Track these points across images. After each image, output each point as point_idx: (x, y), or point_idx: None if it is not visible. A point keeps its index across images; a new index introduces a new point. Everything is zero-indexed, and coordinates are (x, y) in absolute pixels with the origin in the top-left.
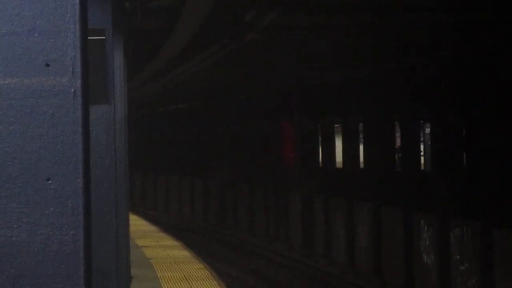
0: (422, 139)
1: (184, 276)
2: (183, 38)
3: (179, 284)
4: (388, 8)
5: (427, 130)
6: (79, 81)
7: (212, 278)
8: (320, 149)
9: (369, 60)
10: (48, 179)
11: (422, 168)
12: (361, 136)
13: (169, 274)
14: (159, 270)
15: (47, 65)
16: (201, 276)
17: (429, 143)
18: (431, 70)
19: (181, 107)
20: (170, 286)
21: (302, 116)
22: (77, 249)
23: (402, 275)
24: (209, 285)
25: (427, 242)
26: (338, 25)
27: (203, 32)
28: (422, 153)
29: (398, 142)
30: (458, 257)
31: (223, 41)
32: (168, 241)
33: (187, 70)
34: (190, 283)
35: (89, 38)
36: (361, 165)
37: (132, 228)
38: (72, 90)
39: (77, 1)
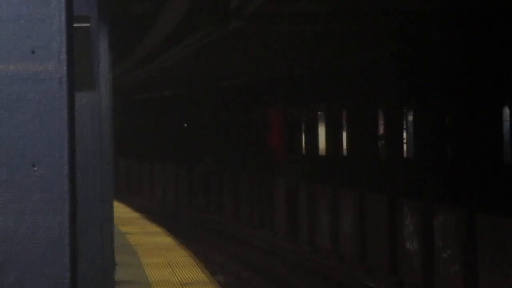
0: (405, 126)
1: (168, 262)
2: (168, 25)
3: (163, 271)
4: None
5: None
6: (64, 68)
7: (196, 264)
8: (303, 136)
9: (352, 48)
10: (34, 166)
11: (405, 155)
12: (344, 123)
13: (153, 261)
14: (143, 257)
15: (33, 51)
16: (185, 262)
17: (412, 130)
18: (414, 57)
19: (166, 94)
20: (154, 272)
21: (287, 104)
22: (63, 235)
23: (386, 262)
24: (193, 272)
25: (411, 228)
26: (322, 12)
27: (188, 19)
28: (404, 141)
29: (381, 129)
30: (441, 243)
31: (207, 28)
32: (152, 227)
33: (172, 57)
34: (174, 270)
35: (74, 25)
36: (344, 152)
37: (116, 214)
38: (58, 76)
39: None
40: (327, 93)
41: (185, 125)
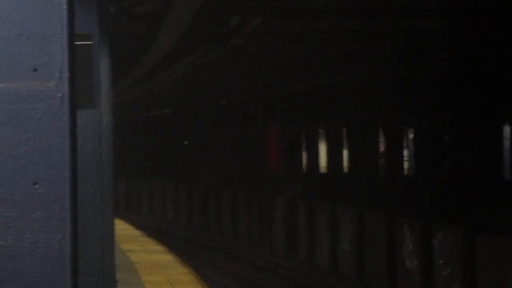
0: (405, 144)
1: (168, 280)
2: (168, 43)
3: None
4: (371, 14)
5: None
6: (66, 86)
7: (196, 282)
8: (304, 154)
9: (351, 66)
10: (35, 184)
11: (406, 173)
12: (344, 141)
13: (153, 278)
14: (143, 275)
15: (35, 69)
16: (185, 280)
17: (413, 148)
18: (413, 76)
19: (165, 112)
20: None
21: (286, 122)
22: (63, 253)
23: (385, 279)
24: None
25: (410, 247)
26: (321, 31)
27: (188, 37)
28: (405, 158)
29: (382, 147)
30: (441, 261)
31: (207, 46)
32: (152, 245)
33: (171, 75)
34: (174, 287)
35: (76, 43)
36: (345, 170)
37: (116, 232)
38: (59, 95)
39: (65, 6)
40: (327, 111)
41: (185, 142)
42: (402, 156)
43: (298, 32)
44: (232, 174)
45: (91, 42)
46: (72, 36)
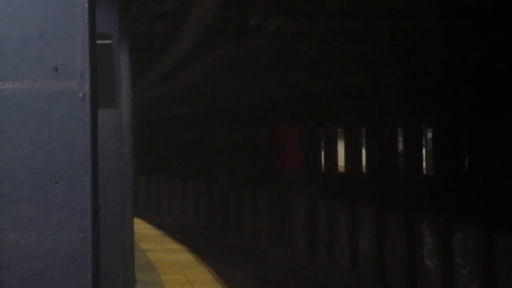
0: (424, 144)
1: (188, 279)
2: (188, 43)
3: None
4: (387, 14)
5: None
6: (87, 85)
7: (216, 282)
8: (322, 154)
9: (371, 65)
10: (57, 183)
11: (425, 172)
12: (363, 141)
13: (173, 277)
14: (163, 274)
15: (56, 69)
16: (205, 279)
17: (431, 147)
18: (431, 75)
19: (184, 112)
20: None
21: (306, 121)
22: (85, 252)
23: (405, 280)
24: None
25: (430, 247)
26: (342, 30)
27: (208, 36)
28: (424, 158)
29: (400, 146)
30: (461, 261)
31: (227, 46)
32: (172, 245)
33: (191, 75)
34: (194, 287)
35: (97, 42)
36: (364, 170)
37: (136, 231)
38: (81, 94)
39: (86, 6)
40: (346, 110)
41: (204, 143)
42: (421, 155)
43: (317, 32)
44: (251, 174)
45: (111, 42)
46: (93, 35)
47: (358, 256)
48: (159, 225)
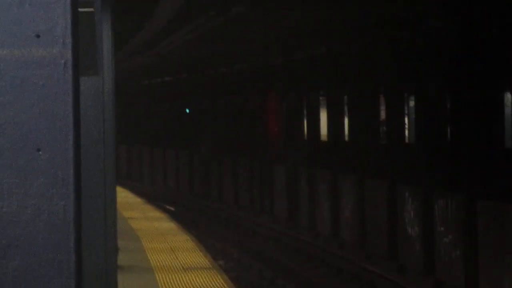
0: (406, 112)
1: (170, 247)
2: (169, 11)
3: (165, 256)
4: None
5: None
6: (69, 52)
7: (197, 249)
8: (305, 122)
9: (353, 34)
10: (39, 150)
11: (407, 141)
12: (345, 109)
13: (155, 246)
14: (145, 242)
15: (38, 36)
16: (187, 247)
17: (413, 116)
18: (414, 43)
19: (166, 80)
20: (156, 257)
21: (287, 90)
22: (67, 219)
23: (385, 247)
24: (195, 256)
25: (411, 214)
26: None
27: (189, 4)
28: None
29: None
30: (442, 229)
31: (209, 14)
32: (154, 213)
33: (172, 43)
34: (176, 254)
35: (78, 9)
36: (346, 138)
37: (118, 199)
38: (63, 61)
39: None
40: (327, 79)
41: (187, 110)
42: (404, 124)
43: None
44: (233, 142)
45: (93, 10)
46: (75, 2)
47: (340, 223)
48: (141, 193)
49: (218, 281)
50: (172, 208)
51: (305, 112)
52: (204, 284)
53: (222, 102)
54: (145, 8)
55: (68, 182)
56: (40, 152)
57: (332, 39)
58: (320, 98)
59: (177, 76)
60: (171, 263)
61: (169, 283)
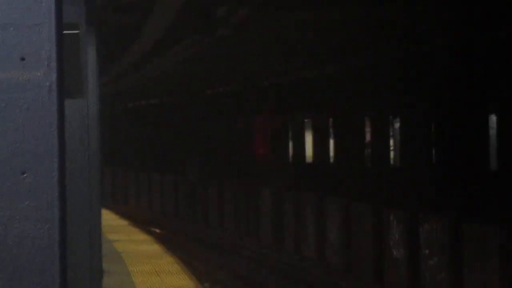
0: (391, 134)
1: (155, 270)
2: (155, 34)
3: (151, 278)
4: (354, 3)
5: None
6: (54, 75)
7: (183, 272)
8: (290, 144)
9: (337, 57)
10: (23, 173)
11: (392, 163)
12: (331, 131)
13: (140, 268)
14: (130, 265)
15: (22, 59)
16: (172, 270)
17: (399, 138)
18: (398, 67)
19: (151, 103)
20: (141, 280)
21: (272, 112)
22: (52, 243)
23: (371, 270)
24: (180, 279)
25: (397, 237)
26: (306, 21)
27: (175, 27)
28: (391, 148)
29: (368, 137)
30: (427, 251)
31: (194, 37)
32: (139, 235)
33: (159, 65)
34: (162, 277)
35: (63, 32)
36: (331, 160)
37: (103, 222)
38: (48, 84)
39: None
40: (313, 101)
41: (172, 134)
42: (389, 146)
43: (284, 23)
44: (219, 166)
45: (78, 31)
46: (60, 25)
47: (325, 247)
48: (126, 216)
49: None
50: (157, 230)
51: (290, 134)
52: None
53: (208, 125)
54: (131, 32)
55: (53, 205)
56: (25, 175)
57: (316, 62)
58: (305, 120)
59: (163, 99)
60: (157, 285)
61: None
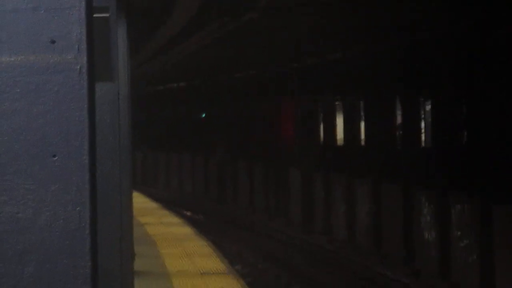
0: (423, 116)
1: (186, 252)
2: (183, 17)
3: (182, 261)
4: None
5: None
6: (84, 58)
7: (214, 255)
8: (321, 127)
9: (368, 38)
10: (54, 156)
11: (423, 145)
12: (362, 113)
13: (171, 251)
14: (161, 247)
15: (53, 41)
16: (203, 252)
17: (430, 120)
18: (430, 47)
19: (181, 86)
20: (172, 262)
21: (303, 95)
22: (82, 226)
23: (402, 252)
24: (211, 262)
25: (428, 218)
26: (334, 2)
27: (203, 10)
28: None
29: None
30: (459, 233)
31: (222, 20)
32: (170, 218)
33: (186, 49)
34: (193, 259)
35: (93, 15)
36: (362, 143)
37: (134, 205)
38: (78, 67)
39: None
40: (344, 84)
41: (203, 115)
42: (420, 128)
43: (311, 4)
44: (248, 147)
45: (108, 15)
46: (90, 8)
47: (356, 228)
48: (156, 198)
49: (235, 286)
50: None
51: (321, 117)
52: None
53: (236, 108)
54: (161, 14)
55: (83, 188)
56: (56, 158)
57: (346, 43)
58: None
59: (191, 82)
60: (187, 268)
61: None
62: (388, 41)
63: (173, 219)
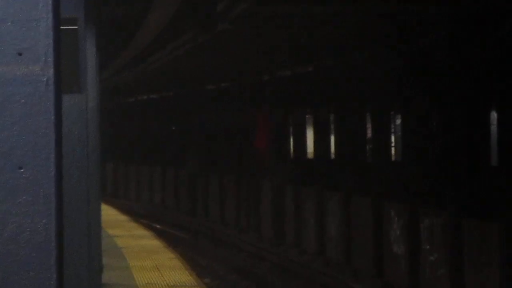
0: (392, 130)
1: (155, 265)
2: (155, 28)
3: (151, 273)
4: None
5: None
6: (51, 70)
7: (183, 267)
8: (291, 139)
9: (339, 51)
10: (20, 168)
11: (393, 159)
12: (332, 127)
13: (140, 263)
14: (130, 259)
15: (20, 54)
16: (172, 265)
17: (400, 134)
18: (399, 61)
19: (152, 97)
20: (141, 275)
21: (274, 108)
22: (49, 238)
23: (371, 265)
24: (180, 274)
25: (397, 232)
26: (307, 15)
27: (175, 21)
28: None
29: (369, 133)
30: (428, 247)
31: (194, 31)
32: (139, 230)
33: (158, 60)
34: (162, 272)
35: (61, 27)
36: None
37: (103, 217)
38: (45, 79)
39: None
40: (314, 96)
41: (173, 128)
42: (390, 142)
43: (284, 17)
44: (219, 159)
45: (76, 27)
46: (58, 20)
47: (325, 241)
48: (126, 210)
49: None
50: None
51: (291, 130)
52: None
53: (208, 119)
54: (131, 26)
55: (50, 200)
56: (22, 170)
57: (317, 56)
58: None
59: (163, 93)
60: (156, 281)
61: None
62: (360, 54)
63: (142, 231)
